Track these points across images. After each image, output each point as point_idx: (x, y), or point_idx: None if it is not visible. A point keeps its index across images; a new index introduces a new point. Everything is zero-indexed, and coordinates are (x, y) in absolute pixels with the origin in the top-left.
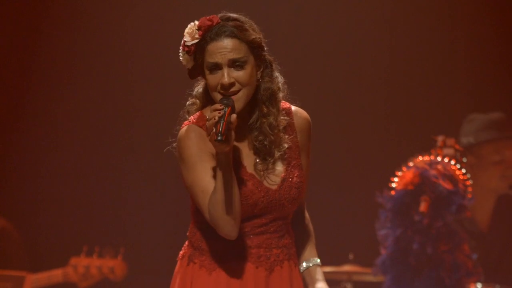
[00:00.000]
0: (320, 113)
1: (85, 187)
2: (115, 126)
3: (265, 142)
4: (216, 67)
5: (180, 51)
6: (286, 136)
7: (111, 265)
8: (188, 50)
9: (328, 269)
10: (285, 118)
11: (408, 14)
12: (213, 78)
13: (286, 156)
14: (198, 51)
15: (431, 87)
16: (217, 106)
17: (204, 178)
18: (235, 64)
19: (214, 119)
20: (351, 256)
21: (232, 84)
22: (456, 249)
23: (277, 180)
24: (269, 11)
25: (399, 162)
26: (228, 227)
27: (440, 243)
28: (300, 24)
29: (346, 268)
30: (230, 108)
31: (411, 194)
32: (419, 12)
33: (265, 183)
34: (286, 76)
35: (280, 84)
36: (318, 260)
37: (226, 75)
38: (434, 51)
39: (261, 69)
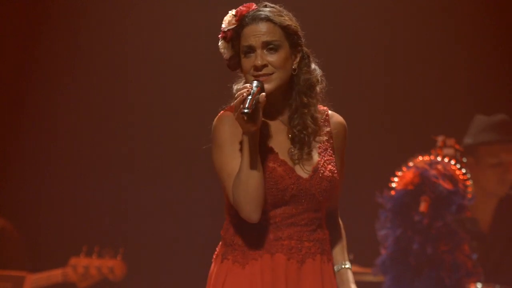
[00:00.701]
0: None
1: (85, 187)
2: (114, 126)
3: (304, 132)
4: (250, 50)
5: (219, 42)
6: (325, 130)
7: (111, 265)
8: (225, 36)
9: None
10: (323, 116)
11: (409, 13)
12: (247, 61)
13: (321, 150)
14: (235, 37)
15: (431, 87)
16: (246, 85)
17: (232, 162)
18: (268, 46)
19: (242, 96)
20: (351, 256)
21: (264, 66)
22: (456, 249)
23: (310, 170)
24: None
25: (399, 162)
26: (249, 208)
27: (440, 243)
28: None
29: None
30: (259, 88)
31: (411, 194)
32: (420, 12)
33: (297, 171)
34: None
35: (319, 76)
36: (349, 264)
37: (259, 57)
38: (434, 51)
39: (298, 59)
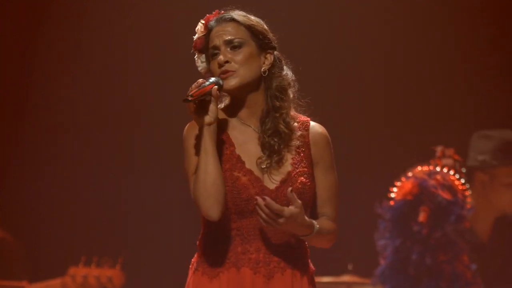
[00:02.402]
0: (318, 123)
1: (84, 197)
2: (113, 135)
3: (275, 139)
4: (216, 50)
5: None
6: (298, 134)
7: (109, 274)
8: (195, 45)
9: (327, 279)
10: (297, 123)
11: (409, 23)
12: (213, 62)
13: (294, 161)
14: (205, 46)
15: (430, 97)
16: (200, 79)
17: (195, 163)
18: (231, 44)
19: (191, 87)
20: (350, 267)
21: (226, 62)
22: (455, 259)
23: (278, 180)
24: (266, 13)
25: (398, 172)
26: (206, 205)
27: (439, 253)
28: (298, 33)
29: (345, 278)
30: (213, 85)
31: (410, 204)
32: (420, 22)
33: (264, 180)
34: None
35: (290, 80)
36: (317, 226)
37: (222, 54)
38: (434, 61)
39: (268, 62)
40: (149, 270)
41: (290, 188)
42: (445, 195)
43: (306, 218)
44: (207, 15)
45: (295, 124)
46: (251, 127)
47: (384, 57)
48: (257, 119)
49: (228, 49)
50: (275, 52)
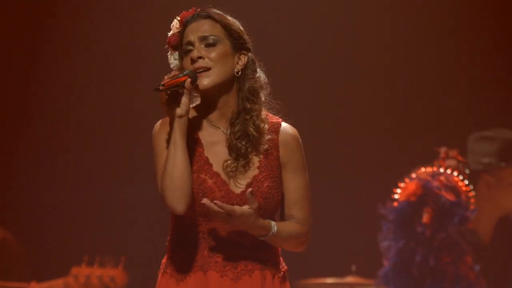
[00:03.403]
0: (321, 124)
1: (86, 197)
2: (115, 135)
3: (243, 142)
4: (189, 45)
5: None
6: (266, 138)
7: (112, 274)
8: (168, 41)
9: (330, 280)
10: (266, 125)
11: (410, 25)
12: (186, 58)
13: (261, 164)
14: (179, 43)
15: (434, 98)
16: (174, 71)
17: (163, 158)
18: (206, 41)
19: (165, 78)
20: (353, 268)
21: (200, 58)
22: (459, 260)
23: (243, 184)
24: (265, 14)
25: (402, 173)
26: (172, 198)
27: (442, 255)
28: (298, 36)
29: (349, 279)
30: (187, 77)
31: (414, 205)
32: (422, 24)
33: (230, 184)
34: (286, 86)
35: (262, 83)
36: (276, 228)
37: (196, 50)
38: (437, 63)
39: (242, 63)
40: (152, 270)
41: (250, 189)
42: (449, 196)
43: (262, 220)
44: (184, 12)
45: (265, 126)
46: (220, 128)
47: (387, 59)
48: (227, 121)
49: (203, 45)
50: (249, 54)
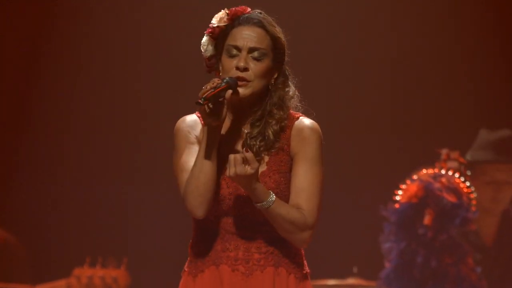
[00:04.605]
0: (322, 125)
1: (88, 198)
2: (117, 136)
3: (257, 141)
4: (236, 50)
5: (204, 37)
6: (280, 140)
7: (114, 275)
8: (212, 32)
9: (332, 282)
10: (285, 125)
11: (413, 26)
12: (229, 61)
13: (271, 160)
14: (221, 36)
15: (435, 100)
16: (215, 79)
17: (185, 158)
18: (254, 53)
19: (205, 88)
20: (355, 269)
21: (246, 69)
22: (460, 262)
23: None
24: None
25: (403, 175)
26: (193, 202)
27: (444, 256)
28: (299, 36)
29: (350, 281)
30: (227, 85)
31: (415, 207)
32: (425, 25)
33: None
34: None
35: (292, 93)
36: (274, 199)
37: (243, 59)
38: (439, 64)
39: (276, 75)
40: (154, 271)
41: (245, 148)
42: (450, 198)
43: (263, 186)
44: (234, 8)
45: (284, 126)
46: (241, 128)
47: (389, 61)
48: (249, 121)
49: (250, 56)
50: (285, 67)
